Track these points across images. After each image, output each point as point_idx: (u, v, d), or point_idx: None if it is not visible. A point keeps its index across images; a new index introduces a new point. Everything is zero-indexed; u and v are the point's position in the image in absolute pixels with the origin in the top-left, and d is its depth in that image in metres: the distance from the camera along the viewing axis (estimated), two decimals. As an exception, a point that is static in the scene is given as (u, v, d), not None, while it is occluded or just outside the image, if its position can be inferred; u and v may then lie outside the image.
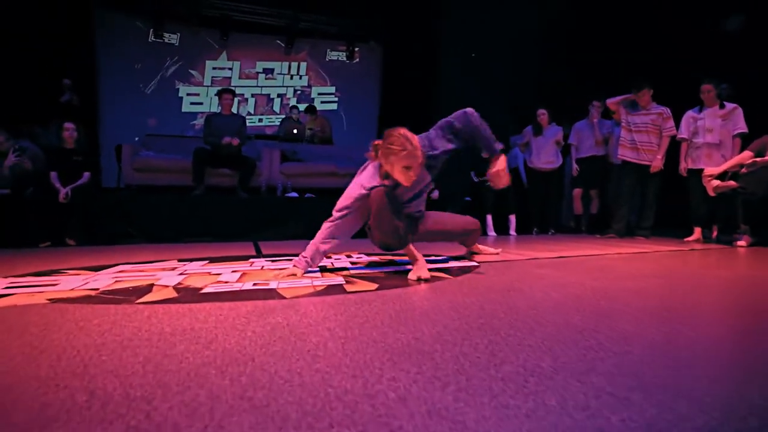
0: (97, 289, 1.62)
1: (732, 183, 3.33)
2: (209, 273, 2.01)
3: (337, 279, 1.83)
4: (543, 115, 5.14)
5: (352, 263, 2.35)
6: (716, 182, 3.36)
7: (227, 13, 8.61)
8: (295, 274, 1.89)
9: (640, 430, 0.59)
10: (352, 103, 9.78)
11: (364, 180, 1.95)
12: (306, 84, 9.74)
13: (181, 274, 1.98)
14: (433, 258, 2.52)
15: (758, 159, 3.35)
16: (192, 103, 9.11)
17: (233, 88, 5.59)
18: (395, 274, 1.99)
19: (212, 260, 2.51)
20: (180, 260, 2.53)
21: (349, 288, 1.64)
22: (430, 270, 1.94)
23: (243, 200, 4.54)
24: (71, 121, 4.00)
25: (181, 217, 4.17)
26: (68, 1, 7.06)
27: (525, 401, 0.68)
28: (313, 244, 1.96)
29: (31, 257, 2.85)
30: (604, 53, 6.30)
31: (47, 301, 1.43)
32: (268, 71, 9.58)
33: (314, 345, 0.97)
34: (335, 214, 1.95)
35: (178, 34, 8.82)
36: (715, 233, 4.12)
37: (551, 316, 1.24)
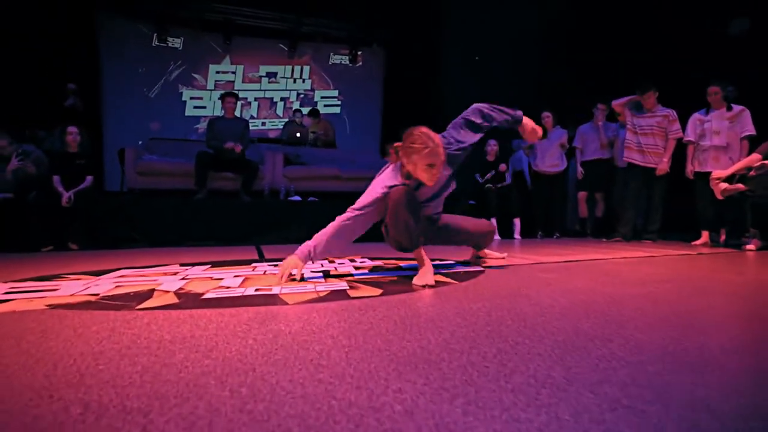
0: (98, 295, 1.60)
1: (740, 186, 3.28)
2: (211, 278, 1.99)
3: (341, 284, 1.80)
4: (548, 118, 5.11)
5: (356, 268, 2.32)
6: (724, 185, 3.31)
7: (230, 17, 8.65)
8: (297, 267, 1.84)
9: (661, 448, 0.56)
10: (355, 107, 9.78)
11: (385, 180, 1.92)
12: (309, 87, 9.75)
13: (182, 279, 1.96)
14: (438, 263, 2.49)
15: (767, 161, 3.30)
16: (195, 107, 9.13)
17: (236, 92, 5.59)
18: (400, 279, 1.96)
19: (214, 265, 2.49)
20: (182, 264, 2.51)
21: (352, 293, 1.61)
22: (435, 274, 1.91)
23: (246, 204, 4.52)
24: (74, 125, 4.00)
25: (184, 220, 4.15)
26: (73, 6, 7.10)
27: (537, 414, 0.65)
28: (320, 236, 1.89)
29: (33, 262, 2.84)
30: (606, 54, 6.28)
31: (46, 307, 1.41)
32: (271, 75, 9.60)
33: (317, 353, 0.94)
34: (352, 212, 1.89)
35: (182, 39, 8.85)
36: (723, 237, 4.07)
37: (560, 322, 1.20)
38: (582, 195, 5.19)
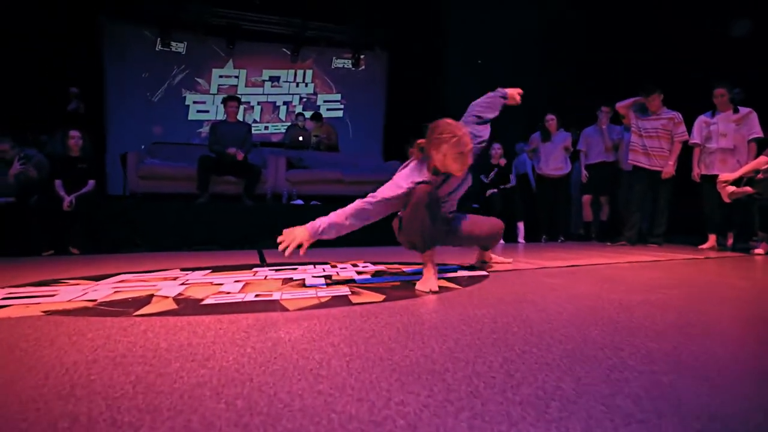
0: (95, 300, 1.58)
1: (748, 189, 3.24)
2: (211, 283, 1.96)
3: (343, 290, 1.77)
4: (552, 120, 5.07)
5: (358, 273, 2.29)
6: (731, 188, 3.27)
7: (234, 21, 8.66)
8: (302, 241, 1.75)
9: (681, 468, 0.53)
10: (357, 111, 9.78)
11: (411, 175, 1.88)
12: (312, 91, 9.76)
13: (182, 284, 1.93)
14: (441, 267, 2.45)
15: (775, 164, 3.26)
16: (198, 111, 9.15)
17: (238, 96, 5.58)
18: (403, 285, 1.93)
19: (215, 269, 2.46)
20: (182, 269, 2.48)
21: (354, 299, 1.58)
22: (438, 279, 1.88)
23: (248, 208, 4.50)
24: (77, 129, 3.99)
25: (186, 225, 4.13)
26: (77, 11, 7.12)
27: (547, 430, 0.62)
28: (335, 214, 1.81)
29: (33, 266, 2.82)
30: (606, 54, 6.25)
31: (42, 314, 1.38)
32: (274, 79, 9.61)
33: (317, 363, 0.91)
34: (373, 198, 1.83)
35: (185, 43, 8.88)
36: (730, 241, 4.01)
37: (568, 330, 1.17)
38: (586, 198, 5.14)
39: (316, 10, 8.59)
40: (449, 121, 1.86)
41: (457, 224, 2.25)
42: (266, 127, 9.54)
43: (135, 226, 3.99)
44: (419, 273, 2.18)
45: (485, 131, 2.12)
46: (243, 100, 9.21)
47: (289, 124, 8.55)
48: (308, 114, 7.58)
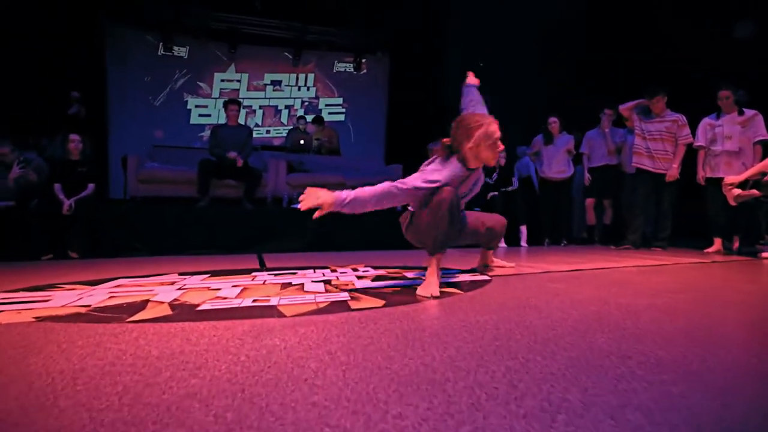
0: (89, 306, 1.55)
1: (754, 192, 3.19)
2: (208, 288, 1.93)
3: (342, 295, 1.74)
4: (554, 123, 5.03)
5: (358, 277, 2.25)
6: (737, 191, 3.21)
7: (235, 26, 8.67)
8: (323, 205, 1.64)
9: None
10: (359, 114, 9.76)
11: (443, 171, 1.84)
12: (314, 95, 9.75)
13: (179, 289, 1.90)
14: (442, 271, 2.41)
15: (781, 167, 3.21)
16: (200, 115, 9.14)
17: (239, 99, 5.57)
18: (404, 290, 1.89)
19: (213, 274, 2.43)
20: (180, 274, 2.45)
21: (353, 305, 1.54)
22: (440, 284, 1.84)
23: (248, 212, 4.47)
24: (77, 133, 3.97)
25: (186, 228, 4.10)
26: (80, 15, 7.13)
27: (553, 446, 0.58)
28: (361, 190, 1.72)
29: (31, 270, 2.80)
30: (608, 55, 6.22)
31: (33, 320, 1.35)
32: (276, 83, 9.60)
33: (312, 372, 0.88)
34: (402, 184, 1.76)
35: (187, 47, 8.89)
36: (736, 244, 3.96)
37: (573, 337, 1.13)
38: (590, 202, 5.10)
39: (317, 14, 8.59)
40: (473, 112, 1.89)
41: (463, 221, 2.22)
42: (268, 131, 9.53)
43: (135, 230, 3.97)
44: (420, 278, 2.15)
45: None
46: (245, 104, 9.22)
47: (290, 127, 8.54)
48: (309, 117, 7.57)
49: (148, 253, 3.90)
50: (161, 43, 8.63)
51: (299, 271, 2.50)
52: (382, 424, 0.65)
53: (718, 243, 3.89)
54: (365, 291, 1.83)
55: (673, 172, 4.09)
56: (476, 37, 7.38)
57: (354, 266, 2.75)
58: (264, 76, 9.52)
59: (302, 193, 1.66)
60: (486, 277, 2.24)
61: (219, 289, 1.88)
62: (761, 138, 3.74)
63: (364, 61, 9.63)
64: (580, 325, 1.25)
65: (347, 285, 1.99)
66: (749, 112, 3.81)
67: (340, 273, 2.43)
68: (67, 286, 2.02)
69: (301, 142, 6.74)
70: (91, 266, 3.02)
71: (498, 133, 1.86)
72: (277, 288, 1.92)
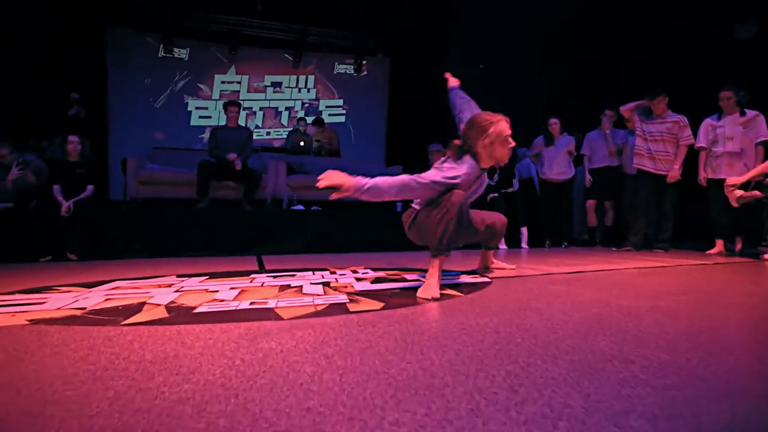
0: (85, 309, 1.53)
1: (756, 193, 3.16)
2: (206, 290, 1.91)
3: (340, 297, 1.72)
4: (555, 124, 5.01)
5: (357, 279, 2.23)
6: (739, 192, 3.19)
7: (236, 27, 8.67)
8: (342, 187, 1.64)
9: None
10: (359, 116, 9.75)
11: (459, 169, 1.83)
12: (314, 97, 9.74)
13: (176, 291, 1.88)
14: (442, 273, 2.39)
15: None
16: (201, 117, 9.14)
17: (239, 101, 5.55)
18: (403, 292, 1.87)
19: (212, 276, 2.41)
20: (179, 276, 2.43)
21: (352, 307, 1.52)
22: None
23: (248, 213, 4.45)
24: (76, 134, 3.96)
25: (186, 230, 4.08)
26: (80, 16, 7.13)
27: (555, 455, 0.57)
28: (383, 179, 1.71)
29: (29, 272, 2.78)
30: (608, 55, 6.20)
31: (27, 323, 1.34)
32: (276, 85, 9.60)
33: (308, 377, 0.86)
34: (422, 179, 1.76)
35: (188, 49, 8.89)
36: (738, 246, 3.94)
37: (574, 340, 1.11)
38: (591, 203, 5.08)
39: (318, 16, 8.58)
40: (484, 112, 1.93)
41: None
42: (268, 133, 9.53)
43: (134, 232, 3.95)
44: (420, 280, 2.13)
45: None
46: (245, 105, 9.21)
47: (291, 129, 8.53)
48: (309, 119, 7.55)
49: (147, 255, 3.88)
50: (162, 45, 8.63)
51: (298, 273, 2.48)
52: (378, 431, 0.63)
53: (720, 245, 3.87)
54: (364, 293, 1.81)
55: (674, 173, 4.07)
56: (476, 37, 7.37)
57: (353, 268, 2.73)
58: (264, 78, 9.52)
59: (323, 179, 1.66)
60: (486, 279, 2.22)
61: (216, 292, 1.86)
62: (763, 139, 3.72)
63: (364, 62, 9.62)
64: (581, 328, 1.23)
65: (346, 287, 1.97)
66: (751, 113, 3.79)
67: (340, 275, 2.41)
68: (64, 289, 2.00)
69: (301, 143, 6.73)
70: (89, 268, 3.00)
71: (509, 131, 1.90)
72: (275, 290, 1.90)
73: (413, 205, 2.02)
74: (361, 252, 4.19)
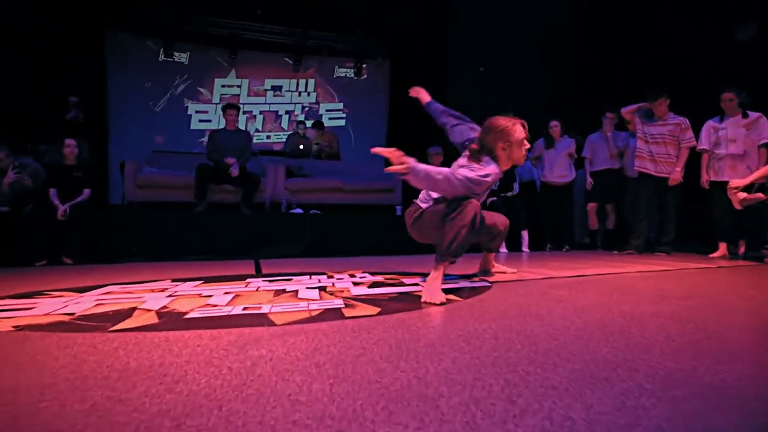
0: (74, 314, 1.49)
1: (760, 195, 3.13)
2: (200, 295, 1.87)
3: (336, 302, 1.68)
4: (555, 127, 4.98)
5: (354, 284, 2.19)
6: (743, 195, 3.15)
7: (236, 31, 8.67)
8: (403, 164, 1.60)
9: None
10: (360, 119, 9.73)
11: (485, 170, 1.85)
12: (314, 101, 9.73)
13: (169, 296, 1.84)
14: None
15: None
16: (201, 121, 9.13)
17: (238, 104, 5.53)
18: (401, 297, 1.83)
19: (207, 280, 2.37)
20: (174, 280, 2.40)
21: (347, 313, 1.48)
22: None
23: (246, 217, 4.42)
24: (73, 138, 3.94)
25: (183, 234, 4.05)
26: (80, 17, 7.13)
27: (555, 473, 0.53)
28: (432, 168, 1.69)
29: (22, 277, 2.74)
30: (608, 55, 6.17)
31: (12, 329, 1.30)
32: (276, 88, 9.59)
33: (297, 386, 0.82)
34: (458, 176, 1.74)
35: (188, 53, 8.89)
36: (742, 249, 3.89)
37: (575, 347, 1.07)
38: (592, 206, 5.03)
39: (318, 20, 8.58)
40: (499, 116, 1.98)
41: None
42: (268, 137, 9.50)
43: (132, 236, 3.91)
44: (420, 284, 2.09)
45: (473, 131, 2.15)
46: (245, 109, 9.20)
47: (290, 132, 8.51)
48: (309, 122, 7.53)
49: (144, 259, 3.85)
50: (162, 49, 8.63)
51: (295, 277, 2.45)
52: (366, 447, 0.59)
53: (723, 248, 3.82)
54: (361, 298, 1.77)
55: (676, 175, 4.03)
56: (476, 37, 7.36)
57: (351, 272, 2.69)
58: (264, 82, 9.51)
59: (382, 151, 1.66)
60: (486, 283, 2.18)
61: (210, 296, 1.82)
62: (766, 141, 3.68)
63: (364, 66, 9.61)
64: (583, 334, 1.19)
65: (342, 292, 1.93)
66: (753, 115, 3.75)
67: (337, 279, 2.37)
68: (55, 293, 1.97)
69: (301, 147, 6.70)
70: (84, 272, 2.97)
71: (525, 133, 1.97)
72: (270, 295, 1.86)
73: (418, 202, 2.03)
74: (360, 256, 4.15)
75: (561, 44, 6.63)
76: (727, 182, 3.38)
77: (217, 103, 9.12)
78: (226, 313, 1.48)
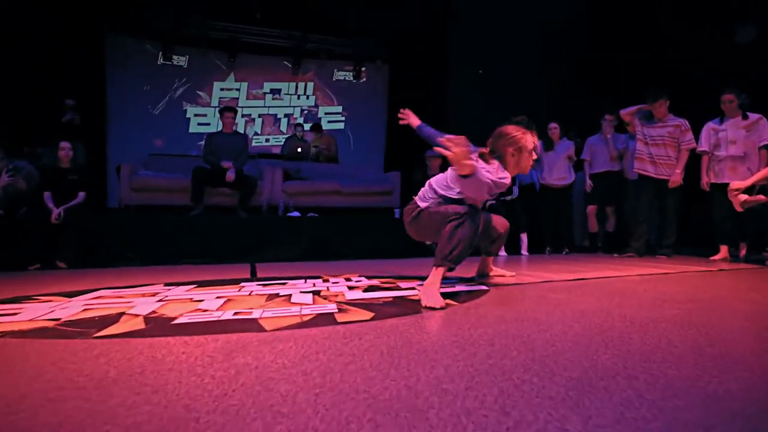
0: (59, 320, 1.45)
1: (761, 197, 3.09)
2: (191, 299, 1.83)
3: (329, 307, 1.64)
4: (554, 129, 4.95)
5: (349, 288, 2.15)
6: (744, 197, 3.12)
7: (235, 35, 8.66)
8: (472, 167, 1.58)
9: None
10: (359, 123, 9.72)
11: (497, 173, 1.87)
12: (313, 104, 9.71)
13: (159, 300, 1.81)
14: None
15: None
16: (199, 124, 9.11)
17: (235, 107, 5.49)
18: (396, 301, 1.79)
19: (200, 284, 2.33)
20: (166, 284, 2.36)
21: (340, 318, 1.45)
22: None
23: (243, 220, 4.39)
24: (68, 141, 3.90)
25: (179, 237, 4.01)
26: (80, 18, 7.11)
27: (549, 494, 0.49)
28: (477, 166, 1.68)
29: (13, 281, 2.70)
30: (608, 55, 6.16)
31: (-7, 335, 1.26)
32: (275, 91, 9.58)
33: (281, 397, 0.78)
34: (485, 179, 1.70)
35: (187, 56, 8.88)
36: (743, 251, 3.85)
37: (573, 354, 1.03)
38: (591, 209, 4.99)
39: (317, 23, 8.57)
40: (509, 125, 1.99)
41: None
42: (267, 140, 9.49)
43: (127, 239, 3.88)
44: (414, 288, 2.06)
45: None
46: (244, 112, 9.19)
47: (288, 135, 8.49)
48: (307, 125, 7.51)
49: (140, 263, 3.81)
50: (161, 52, 8.63)
51: (290, 281, 2.41)
52: (348, 464, 0.55)
53: (724, 250, 3.78)
54: (354, 303, 1.73)
55: (676, 177, 4.00)
56: (476, 37, 7.34)
57: (347, 276, 2.65)
58: (263, 85, 9.50)
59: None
60: (484, 287, 2.14)
61: (201, 301, 1.78)
62: (766, 142, 3.64)
63: (363, 69, 9.60)
64: (582, 340, 1.15)
65: (337, 296, 1.89)
66: (753, 116, 3.72)
67: (332, 283, 2.33)
68: (43, 298, 1.93)
69: (299, 149, 6.67)
70: (77, 276, 2.93)
71: (535, 143, 1.99)
72: (262, 299, 1.82)
73: (416, 200, 2.03)
74: (358, 259, 4.11)
75: (561, 44, 6.61)
76: (727, 184, 3.35)
77: (215, 107, 9.10)
78: (215, 319, 1.44)
